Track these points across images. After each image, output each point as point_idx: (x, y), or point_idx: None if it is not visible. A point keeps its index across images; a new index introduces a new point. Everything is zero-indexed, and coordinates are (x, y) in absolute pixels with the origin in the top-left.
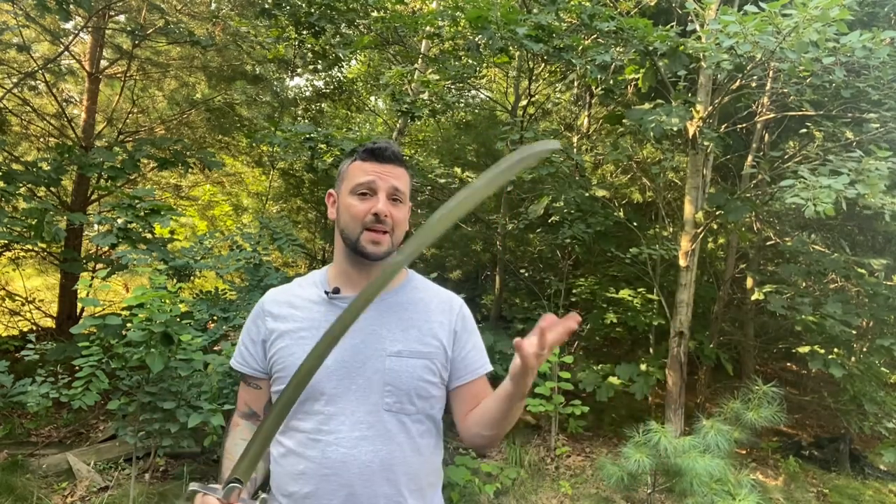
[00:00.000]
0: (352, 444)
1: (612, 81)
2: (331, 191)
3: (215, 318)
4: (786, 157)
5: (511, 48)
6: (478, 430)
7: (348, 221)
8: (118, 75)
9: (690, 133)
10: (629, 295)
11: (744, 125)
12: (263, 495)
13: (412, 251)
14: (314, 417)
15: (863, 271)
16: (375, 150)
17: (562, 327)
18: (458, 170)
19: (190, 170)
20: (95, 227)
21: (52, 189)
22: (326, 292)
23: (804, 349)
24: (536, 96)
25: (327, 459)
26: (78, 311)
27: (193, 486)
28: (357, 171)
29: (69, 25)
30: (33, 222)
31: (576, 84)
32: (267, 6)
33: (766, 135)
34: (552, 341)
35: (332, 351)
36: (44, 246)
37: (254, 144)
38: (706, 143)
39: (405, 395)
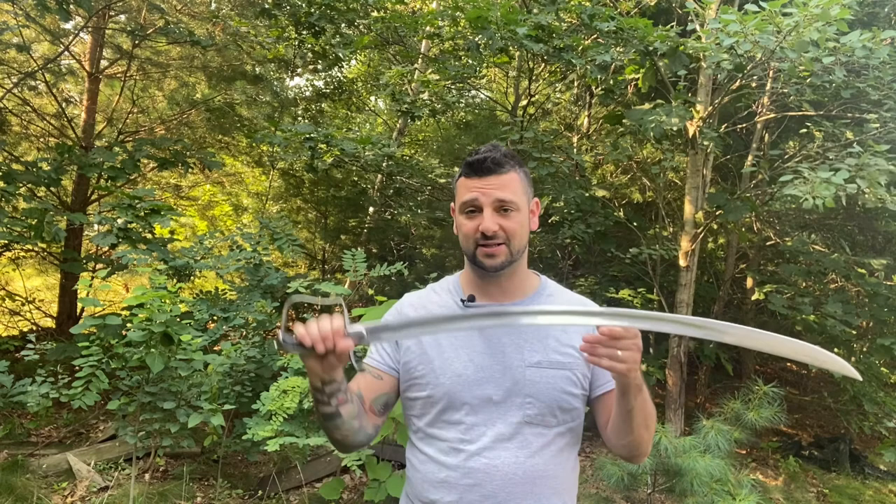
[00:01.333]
0: (494, 455)
1: (612, 81)
2: (452, 204)
3: (215, 318)
4: (786, 156)
5: (511, 48)
6: (615, 440)
7: (462, 240)
8: (118, 75)
9: (690, 133)
10: (629, 295)
11: (744, 125)
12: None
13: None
14: (455, 427)
15: (863, 271)
16: (474, 163)
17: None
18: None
19: (190, 170)
20: (95, 227)
21: (52, 189)
22: (462, 300)
23: None
24: (536, 96)
25: (470, 469)
26: (78, 311)
27: (336, 298)
28: (462, 188)
29: (69, 25)
30: (33, 222)
31: (576, 84)
32: (267, 6)
33: (766, 135)
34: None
35: (472, 362)
36: (44, 246)
37: (254, 144)
38: (706, 143)
39: (546, 408)
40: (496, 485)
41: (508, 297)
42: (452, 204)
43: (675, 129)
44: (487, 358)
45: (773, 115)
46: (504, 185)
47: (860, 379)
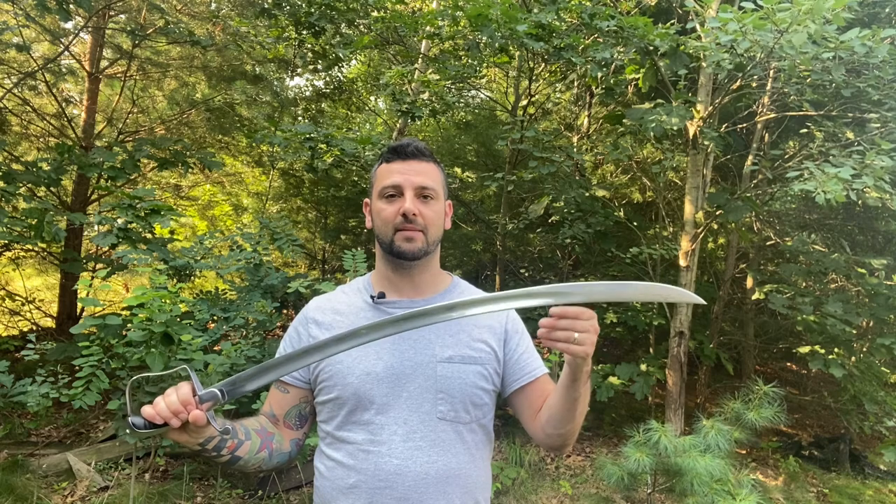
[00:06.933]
0: (406, 454)
1: (612, 81)
2: (366, 199)
3: (215, 318)
4: (786, 156)
5: (511, 47)
6: (551, 429)
7: (380, 226)
8: (118, 75)
9: (691, 133)
10: None
11: (744, 125)
12: (228, 426)
13: (474, 300)
14: (365, 428)
15: (863, 271)
16: (398, 148)
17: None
18: (458, 170)
19: (190, 170)
20: (95, 227)
21: (52, 189)
22: (372, 297)
23: (804, 349)
24: (536, 96)
25: (381, 471)
26: (78, 311)
27: (180, 368)
28: (383, 173)
29: (69, 25)
30: (33, 222)
31: (576, 84)
32: (267, 6)
33: (767, 135)
34: (556, 312)
35: (381, 359)
36: (44, 246)
37: (254, 144)
38: (706, 143)
39: (459, 403)
40: (408, 486)
41: (420, 292)
42: (366, 199)
43: (675, 128)
44: (397, 354)
45: (773, 115)
46: (425, 171)
47: (704, 303)
